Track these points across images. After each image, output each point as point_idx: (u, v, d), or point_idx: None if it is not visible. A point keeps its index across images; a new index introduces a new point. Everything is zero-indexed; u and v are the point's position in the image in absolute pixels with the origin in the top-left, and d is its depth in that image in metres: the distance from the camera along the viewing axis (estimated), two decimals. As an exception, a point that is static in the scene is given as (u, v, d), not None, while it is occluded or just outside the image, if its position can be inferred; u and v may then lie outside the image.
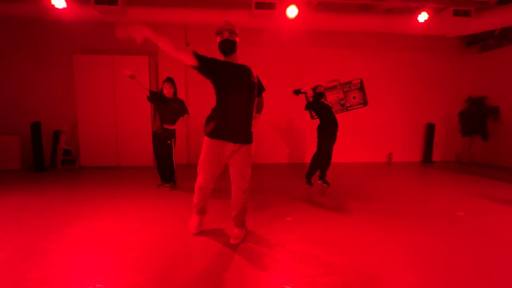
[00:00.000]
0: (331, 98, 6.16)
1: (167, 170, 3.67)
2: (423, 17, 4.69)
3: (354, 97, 6.19)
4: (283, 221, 2.65)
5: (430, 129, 6.23)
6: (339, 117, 6.44)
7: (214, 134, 2.01)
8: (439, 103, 6.39)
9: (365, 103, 6.23)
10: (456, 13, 4.62)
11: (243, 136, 2.04)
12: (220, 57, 2.02)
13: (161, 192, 3.58)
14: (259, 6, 4.36)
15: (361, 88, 6.18)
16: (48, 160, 5.39)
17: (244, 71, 2.02)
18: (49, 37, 5.35)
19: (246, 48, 5.84)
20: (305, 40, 5.79)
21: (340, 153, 6.24)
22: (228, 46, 1.96)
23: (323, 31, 5.61)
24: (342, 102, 6.19)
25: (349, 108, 6.21)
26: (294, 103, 5.79)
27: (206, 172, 2.09)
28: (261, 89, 2.24)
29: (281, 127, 6.08)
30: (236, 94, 1.97)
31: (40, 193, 3.53)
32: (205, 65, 1.91)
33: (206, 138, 2.06)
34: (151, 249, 2.04)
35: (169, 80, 3.48)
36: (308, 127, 5.90)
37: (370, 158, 6.35)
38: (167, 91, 3.44)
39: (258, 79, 2.18)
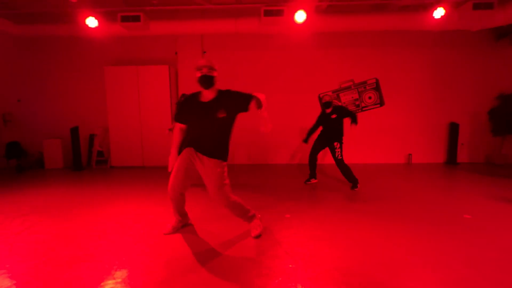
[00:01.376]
0: (345, 99, 6.12)
1: None
2: (439, 13, 4.51)
3: (370, 97, 6.08)
4: (282, 217, 2.81)
5: (453, 129, 5.89)
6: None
7: None
8: (464, 101, 6.00)
9: (381, 103, 6.09)
10: (477, 6, 4.37)
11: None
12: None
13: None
14: (267, 13, 4.54)
15: (377, 88, 6.05)
16: (85, 161, 6.10)
17: (210, 108, 2.20)
18: (84, 52, 6.08)
19: (257, 52, 6.07)
20: (317, 42, 5.81)
21: (356, 154, 6.16)
22: (206, 82, 2.17)
23: (334, 32, 5.57)
24: (357, 103, 6.12)
25: (364, 109, 6.12)
26: (305, 106, 5.87)
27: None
28: (242, 108, 2.24)
29: (292, 129, 6.15)
30: (197, 129, 2.29)
31: (79, 189, 4.18)
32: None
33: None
34: (170, 241, 2.36)
35: None
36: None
37: (388, 159, 6.18)
38: None
39: (239, 95, 2.24)
